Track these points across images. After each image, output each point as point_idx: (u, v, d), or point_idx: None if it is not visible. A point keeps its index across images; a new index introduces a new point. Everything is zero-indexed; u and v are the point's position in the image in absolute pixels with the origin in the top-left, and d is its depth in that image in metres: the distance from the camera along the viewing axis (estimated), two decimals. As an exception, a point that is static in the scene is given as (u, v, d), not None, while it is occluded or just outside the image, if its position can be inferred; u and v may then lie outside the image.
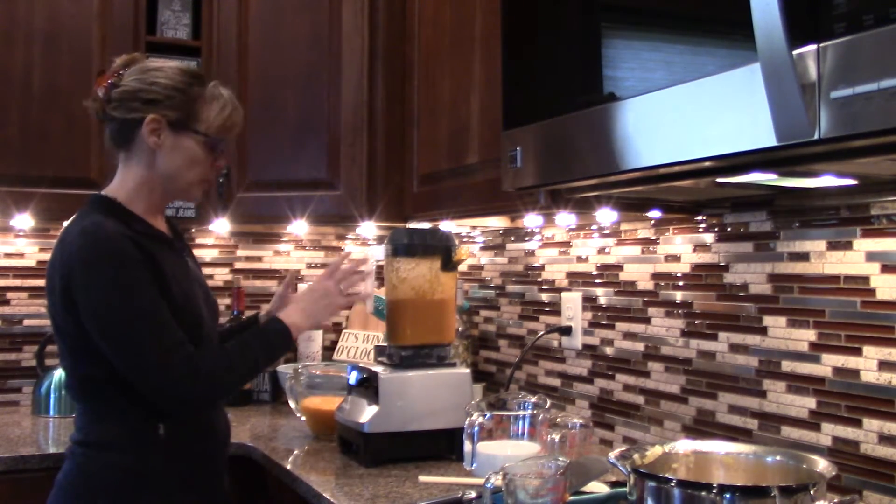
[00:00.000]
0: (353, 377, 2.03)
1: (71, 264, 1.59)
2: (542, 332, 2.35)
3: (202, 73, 1.80)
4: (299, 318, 1.79)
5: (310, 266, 3.08)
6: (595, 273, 2.20)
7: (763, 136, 1.05)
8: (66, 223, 1.68)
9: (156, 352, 1.57)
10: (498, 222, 2.43)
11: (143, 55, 1.79)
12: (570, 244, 2.30)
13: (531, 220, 2.21)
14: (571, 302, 2.26)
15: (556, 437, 1.68)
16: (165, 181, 1.72)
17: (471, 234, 2.77)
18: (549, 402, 1.77)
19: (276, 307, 1.94)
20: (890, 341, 1.47)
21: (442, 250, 2.00)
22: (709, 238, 1.85)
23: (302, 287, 1.98)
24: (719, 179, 1.36)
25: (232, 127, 1.76)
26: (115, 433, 1.64)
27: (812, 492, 1.14)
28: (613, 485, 1.58)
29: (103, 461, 1.64)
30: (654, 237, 2.01)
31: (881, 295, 1.48)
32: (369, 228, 2.93)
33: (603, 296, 2.17)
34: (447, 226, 2.36)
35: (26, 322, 2.70)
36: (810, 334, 1.61)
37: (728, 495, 1.14)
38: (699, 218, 1.87)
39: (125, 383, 1.62)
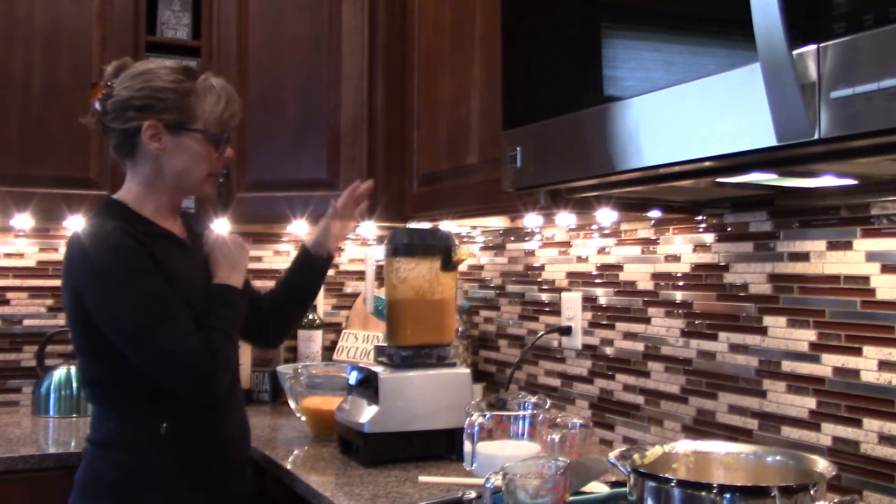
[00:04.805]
0: (353, 377, 2.03)
1: (76, 266, 1.62)
2: (542, 332, 2.35)
3: (192, 68, 1.76)
4: (234, 275, 1.76)
5: (310, 266, 3.07)
6: (595, 273, 2.20)
7: (763, 136, 1.05)
8: (77, 228, 1.69)
9: (171, 337, 1.58)
10: (498, 222, 2.43)
11: (132, 60, 1.76)
12: (570, 244, 2.30)
13: (531, 220, 2.21)
14: (571, 302, 2.26)
15: (556, 437, 1.68)
16: (175, 182, 1.73)
17: (471, 234, 2.76)
18: (549, 402, 1.77)
19: (321, 236, 2.04)
20: (890, 341, 1.47)
21: (442, 250, 2.00)
22: (709, 238, 1.85)
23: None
24: (719, 179, 1.36)
25: (230, 118, 1.74)
26: (120, 432, 1.67)
27: (812, 492, 1.14)
28: (613, 485, 1.58)
29: (109, 460, 1.67)
30: (654, 237, 2.01)
31: (881, 295, 1.48)
32: (369, 228, 2.93)
33: (603, 296, 2.17)
34: (447, 226, 2.36)
35: (26, 322, 2.70)
36: (810, 334, 1.61)
37: (728, 495, 1.14)
38: (699, 218, 1.87)
39: (129, 383, 1.64)
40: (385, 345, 2.06)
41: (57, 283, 2.73)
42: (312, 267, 2.03)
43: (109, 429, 1.68)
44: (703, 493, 1.16)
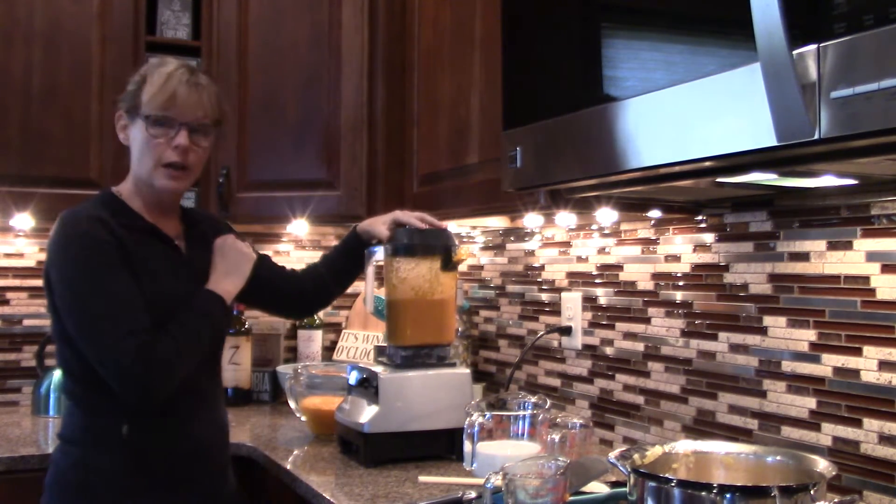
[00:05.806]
0: (353, 377, 2.03)
1: (50, 249, 1.64)
2: (542, 332, 2.35)
3: (165, 60, 1.72)
4: (225, 282, 1.73)
5: (310, 266, 3.08)
6: (595, 273, 2.20)
7: (763, 135, 1.05)
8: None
9: (111, 333, 1.54)
10: (498, 222, 2.43)
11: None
12: (570, 244, 2.30)
13: (531, 220, 2.21)
14: (571, 302, 2.26)
15: (556, 437, 1.68)
16: (135, 174, 1.72)
17: (471, 234, 2.76)
18: (549, 402, 1.77)
19: (371, 226, 2.04)
20: (890, 341, 1.47)
21: (442, 250, 2.00)
22: (709, 238, 1.85)
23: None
24: (719, 179, 1.36)
25: (172, 98, 1.64)
26: (83, 429, 1.64)
27: (812, 492, 1.14)
28: (613, 485, 1.58)
29: (72, 456, 1.64)
30: (654, 237, 2.01)
31: (881, 295, 1.48)
32: (369, 228, 2.92)
33: (603, 296, 2.17)
34: (447, 226, 2.36)
35: (26, 322, 2.70)
36: (810, 334, 1.61)
37: (728, 495, 1.14)
38: (699, 218, 1.87)
39: (95, 379, 1.59)
40: (385, 345, 2.06)
41: (57, 283, 2.74)
42: (359, 249, 2.04)
43: (74, 424, 1.65)
44: (704, 493, 1.16)
